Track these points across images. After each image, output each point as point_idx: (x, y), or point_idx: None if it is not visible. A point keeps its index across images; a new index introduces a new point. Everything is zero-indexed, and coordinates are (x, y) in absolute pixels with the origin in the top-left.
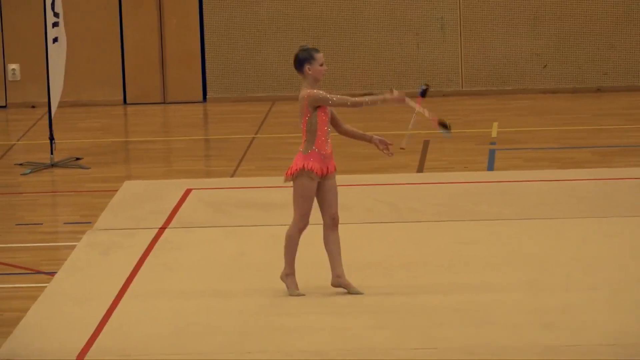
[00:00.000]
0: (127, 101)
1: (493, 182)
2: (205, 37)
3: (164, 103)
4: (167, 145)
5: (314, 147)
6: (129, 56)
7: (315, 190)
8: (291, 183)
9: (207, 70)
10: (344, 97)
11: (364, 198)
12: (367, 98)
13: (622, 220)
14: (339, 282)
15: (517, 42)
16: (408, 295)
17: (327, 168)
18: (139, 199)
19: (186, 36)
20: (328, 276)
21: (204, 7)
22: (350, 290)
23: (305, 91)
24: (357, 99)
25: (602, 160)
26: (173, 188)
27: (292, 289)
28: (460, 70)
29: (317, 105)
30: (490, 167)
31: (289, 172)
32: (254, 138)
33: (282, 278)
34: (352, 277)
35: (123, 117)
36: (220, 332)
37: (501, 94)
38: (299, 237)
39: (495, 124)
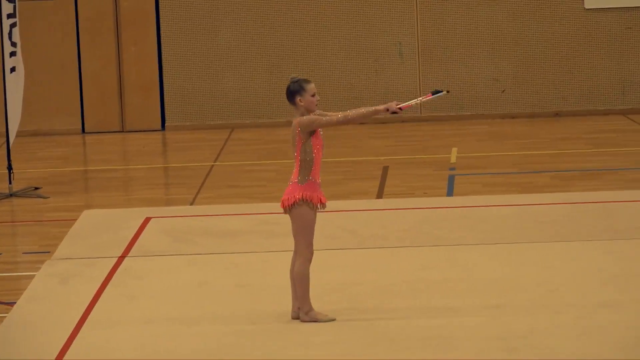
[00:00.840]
0: (86, 130)
1: (453, 207)
2: (164, 66)
3: (122, 132)
4: (127, 174)
5: (309, 177)
6: (87, 85)
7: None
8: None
9: (166, 99)
10: (333, 114)
11: (325, 225)
12: (359, 110)
13: (583, 244)
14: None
15: (476, 67)
16: (370, 322)
17: (322, 198)
18: (98, 228)
19: (144, 65)
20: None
21: (162, 35)
22: (323, 320)
23: (296, 119)
24: (347, 113)
25: (561, 185)
26: (132, 217)
27: (323, 317)
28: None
29: (310, 131)
30: (450, 193)
31: (286, 204)
32: (213, 166)
33: (304, 320)
34: (314, 303)
35: (82, 146)
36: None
37: (460, 119)
38: (309, 270)
39: (455, 150)
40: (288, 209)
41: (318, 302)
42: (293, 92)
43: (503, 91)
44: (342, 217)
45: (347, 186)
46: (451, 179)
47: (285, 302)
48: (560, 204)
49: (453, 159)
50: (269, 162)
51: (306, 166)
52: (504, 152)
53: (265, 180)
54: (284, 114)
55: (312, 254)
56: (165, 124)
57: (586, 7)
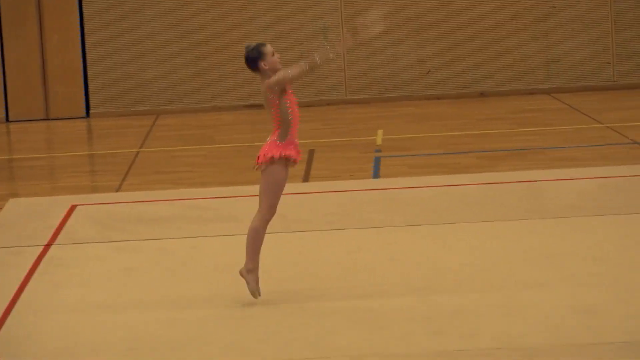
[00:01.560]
0: (10, 119)
1: (379, 189)
2: (87, 53)
3: (47, 119)
4: (52, 162)
5: (288, 136)
6: (10, 74)
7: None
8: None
9: (90, 86)
10: (298, 66)
11: (252, 209)
12: (317, 56)
13: (511, 224)
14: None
15: (401, 49)
16: (299, 304)
17: (297, 157)
18: (24, 216)
19: (68, 52)
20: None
21: (85, 22)
22: (249, 287)
23: (263, 83)
24: (310, 60)
25: (488, 165)
26: (58, 205)
27: (252, 286)
28: (344, 79)
29: (281, 89)
30: (376, 175)
31: (261, 159)
32: (138, 152)
33: (242, 274)
34: (242, 286)
35: (6, 135)
36: (110, 347)
37: (385, 101)
38: (265, 230)
39: (380, 132)
40: (262, 165)
41: (243, 286)
42: (254, 58)
43: (428, 72)
44: None
45: None
46: (377, 161)
47: (215, 287)
48: (486, 184)
49: (379, 141)
50: (195, 147)
51: (285, 126)
52: (429, 133)
53: (192, 165)
54: (209, 99)
55: (272, 215)
56: (90, 111)
57: None
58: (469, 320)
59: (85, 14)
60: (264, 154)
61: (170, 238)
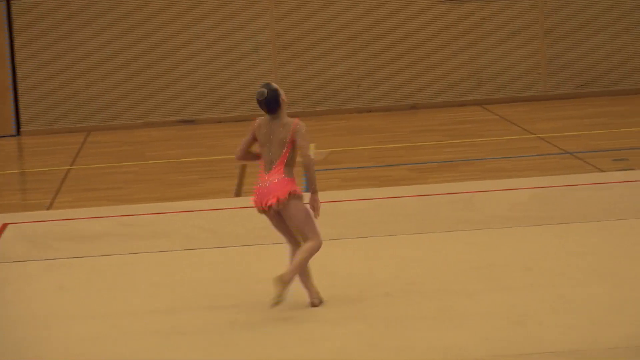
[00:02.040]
0: None
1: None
2: (17, 71)
3: None
4: None
5: (292, 174)
6: None
7: None
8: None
9: (20, 104)
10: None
11: (183, 225)
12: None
13: (442, 235)
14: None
15: (332, 62)
16: (232, 324)
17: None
18: None
19: None
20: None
21: (15, 40)
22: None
23: (294, 121)
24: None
25: (419, 177)
26: None
27: (282, 292)
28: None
29: (295, 141)
30: (307, 188)
31: (281, 197)
32: (69, 169)
33: (284, 278)
34: (175, 303)
35: None
36: None
37: (318, 115)
38: (314, 253)
39: (313, 145)
40: (282, 204)
41: (179, 301)
42: (275, 95)
43: (359, 86)
44: (201, 216)
45: (205, 185)
46: None
47: (149, 303)
48: (417, 196)
49: (311, 155)
50: (126, 163)
51: (291, 164)
52: (361, 146)
53: (123, 182)
54: (140, 116)
55: (320, 242)
56: (21, 129)
57: (441, 0)
58: (403, 331)
59: (15, 32)
60: (282, 193)
61: (102, 255)
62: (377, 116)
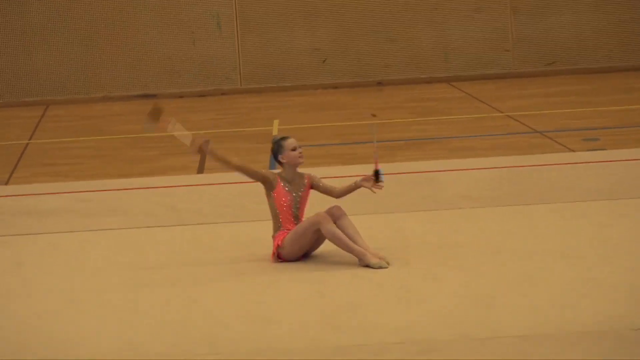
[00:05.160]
0: None
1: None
2: None
3: None
4: None
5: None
6: None
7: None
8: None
9: None
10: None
11: (143, 201)
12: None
13: (406, 215)
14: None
15: (296, 36)
16: (195, 302)
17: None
18: None
19: None
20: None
21: None
22: (373, 264)
23: (311, 176)
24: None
25: (384, 155)
26: None
27: (377, 263)
28: (238, 68)
29: (271, 186)
30: (273, 166)
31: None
32: (28, 144)
33: (361, 264)
34: (134, 281)
35: None
36: None
37: (281, 91)
38: (332, 224)
39: (276, 122)
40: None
41: (138, 279)
42: (275, 153)
43: (324, 61)
44: (161, 193)
45: (166, 162)
46: None
47: (107, 279)
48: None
49: (275, 132)
50: (86, 138)
51: (275, 217)
52: (325, 123)
53: (82, 157)
54: (100, 89)
55: (323, 216)
56: None
57: None
58: (364, 313)
59: None
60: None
61: (60, 232)
62: (342, 92)
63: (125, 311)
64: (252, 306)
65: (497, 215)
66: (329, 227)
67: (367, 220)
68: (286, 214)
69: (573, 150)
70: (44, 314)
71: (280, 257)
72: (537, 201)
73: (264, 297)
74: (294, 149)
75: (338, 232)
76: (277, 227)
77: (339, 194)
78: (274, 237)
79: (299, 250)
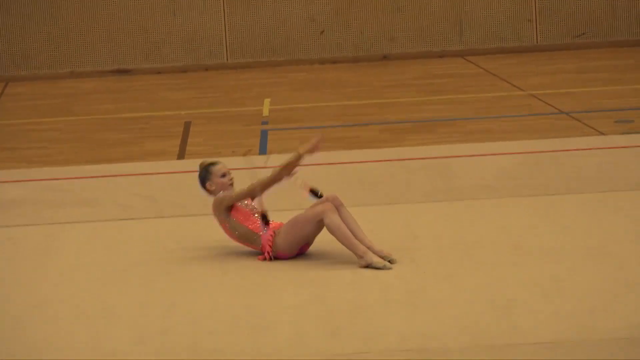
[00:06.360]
0: None
1: (267, 167)
2: None
3: None
4: None
5: (255, 236)
6: None
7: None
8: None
9: None
10: (250, 187)
11: (117, 191)
12: (261, 180)
13: (417, 207)
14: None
15: (290, 6)
16: (175, 305)
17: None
18: None
19: None
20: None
21: None
22: (379, 266)
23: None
24: (257, 182)
25: (391, 139)
26: None
27: (378, 262)
28: (224, 40)
29: (227, 208)
30: (263, 150)
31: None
32: None
33: (361, 264)
34: (106, 281)
35: None
36: None
37: (272, 66)
38: (338, 217)
39: (267, 101)
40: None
41: (110, 279)
42: (202, 180)
43: (322, 32)
44: (138, 182)
45: (143, 146)
46: (264, 135)
47: (74, 283)
48: (389, 160)
49: (266, 112)
50: (51, 119)
51: (246, 234)
52: (324, 103)
53: (47, 140)
54: (66, 64)
55: (328, 206)
56: None
57: None
58: (370, 317)
59: None
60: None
61: (22, 225)
62: (343, 68)
63: (97, 317)
64: (240, 311)
65: (518, 208)
66: (334, 218)
67: (370, 213)
68: (253, 222)
69: (604, 134)
70: (3, 320)
71: (271, 253)
72: (564, 191)
73: (254, 300)
74: (223, 175)
75: (343, 225)
76: (254, 239)
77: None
78: (261, 235)
79: (296, 244)
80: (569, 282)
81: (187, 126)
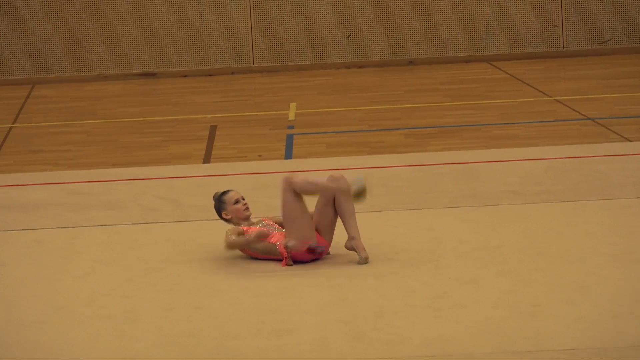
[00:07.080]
0: None
1: (293, 172)
2: None
3: None
4: None
5: (276, 246)
6: None
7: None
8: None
9: None
10: (242, 240)
11: (142, 194)
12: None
13: (442, 212)
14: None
15: (316, 8)
16: (199, 309)
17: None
18: None
19: None
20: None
21: None
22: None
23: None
24: (244, 240)
25: (416, 144)
26: None
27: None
28: (250, 44)
29: (239, 234)
30: (289, 155)
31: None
32: (11, 128)
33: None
34: (130, 285)
35: None
36: None
37: (299, 70)
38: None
39: (293, 105)
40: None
41: (134, 283)
42: (217, 210)
43: (348, 36)
44: (163, 185)
45: (169, 149)
46: (290, 139)
47: (100, 283)
48: (414, 165)
49: (292, 116)
50: (76, 122)
51: (266, 247)
52: (350, 107)
53: (73, 143)
54: (93, 67)
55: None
56: None
57: None
58: (393, 322)
59: None
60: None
61: (47, 228)
62: (368, 72)
63: (121, 319)
64: (264, 315)
65: (543, 213)
66: (295, 179)
67: (394, 218)
68: (273, 236)
69: (630, 140)
70: (27, 324)
71: (288, 256)
72: (589, 197)
73: (278, 304)
74: (236, 202)
75: (308, 180)
76: (274, 250)
77: None
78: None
79: (304, 230)
80: (593, 288)
81: (213, 130)
